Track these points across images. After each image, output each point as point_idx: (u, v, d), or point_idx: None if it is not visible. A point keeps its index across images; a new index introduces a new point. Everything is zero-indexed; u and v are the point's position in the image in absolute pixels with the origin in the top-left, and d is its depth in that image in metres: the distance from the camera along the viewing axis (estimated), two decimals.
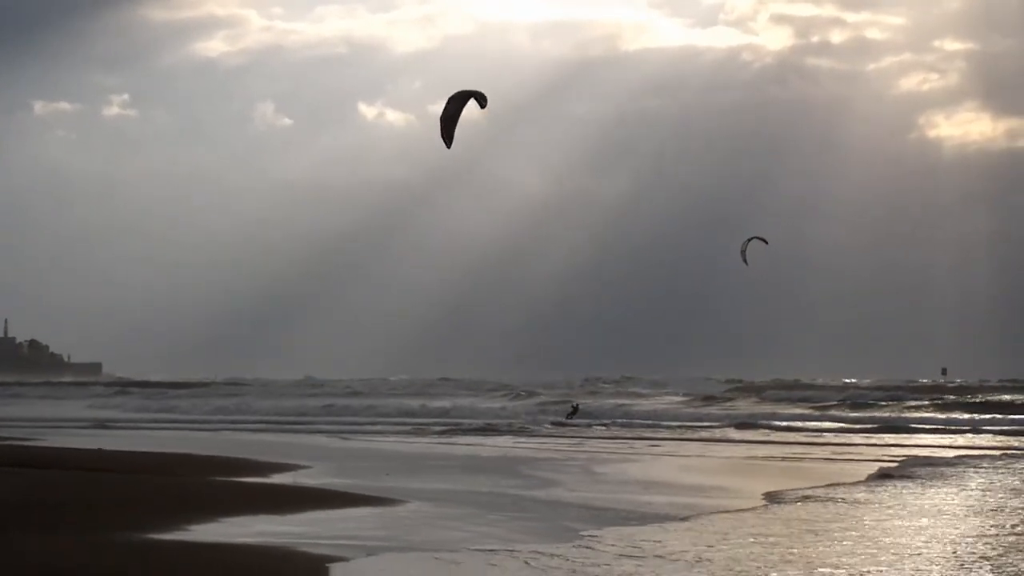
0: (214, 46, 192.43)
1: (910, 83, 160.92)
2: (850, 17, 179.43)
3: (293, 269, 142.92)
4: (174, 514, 21.69)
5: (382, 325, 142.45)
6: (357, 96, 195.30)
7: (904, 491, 26.44)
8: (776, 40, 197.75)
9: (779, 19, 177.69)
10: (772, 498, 25.12)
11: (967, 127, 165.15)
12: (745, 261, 28.54)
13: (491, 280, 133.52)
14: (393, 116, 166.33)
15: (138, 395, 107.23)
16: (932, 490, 26.71)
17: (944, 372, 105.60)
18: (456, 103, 20.29)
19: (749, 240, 28.66)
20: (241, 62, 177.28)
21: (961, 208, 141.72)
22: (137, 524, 20.21)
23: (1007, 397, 76.34)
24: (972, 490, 26.78)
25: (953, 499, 25.05)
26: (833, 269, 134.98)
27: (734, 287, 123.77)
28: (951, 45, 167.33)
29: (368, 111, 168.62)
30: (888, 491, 26.44)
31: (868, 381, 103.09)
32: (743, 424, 62.17)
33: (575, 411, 68.63)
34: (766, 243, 28.63)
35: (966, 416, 64.53)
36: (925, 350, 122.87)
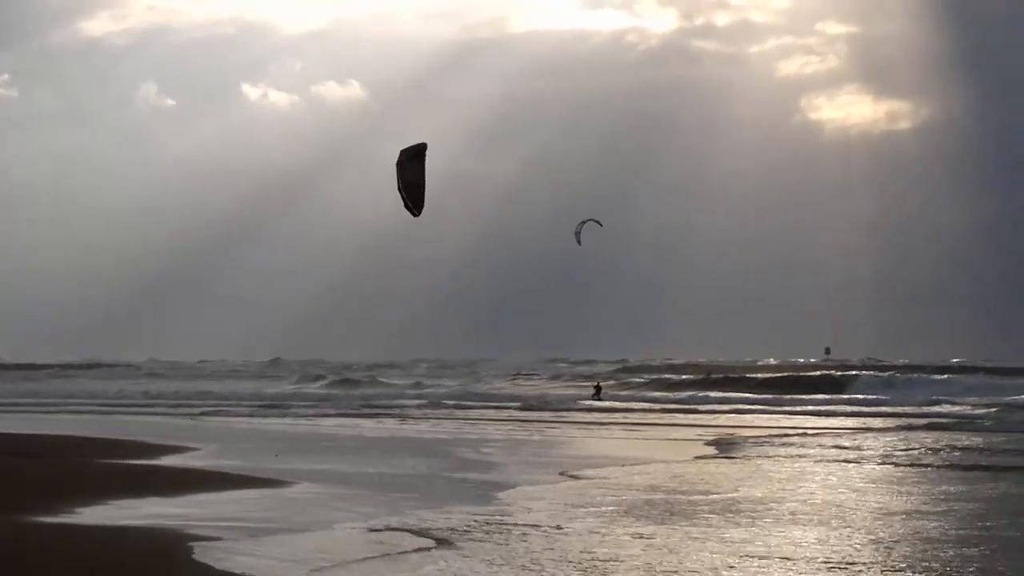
0: (98, 25, 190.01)
1: (792, 66, 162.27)
2: (734, 0, 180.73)
3: (178, 251, 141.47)
4: (61, 497, 21.41)
5: (269, 307, 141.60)
6: (241, 77, 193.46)
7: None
8: (661, 22, 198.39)
9: (664, 2, 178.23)
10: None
11: (848, 109, 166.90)
12: (579, 242, 28.70)
13: (379, 263, 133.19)
14: (276, 97, 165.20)
15: (23, 378, 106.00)
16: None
17: (828, 351, 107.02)
18: (417, 164, 18.60)
19: (584, 223, 28.87)
20: (125, 42, 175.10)
21: (843, 189, 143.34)
22: (22, 507, 19.86)
23: (867, 374, 79.28)
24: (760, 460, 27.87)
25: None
26: (719, 250, 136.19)
27: (623, 269, 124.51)
28: (833, 28, 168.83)
29: (252, 92, 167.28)
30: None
31: (756, 361, 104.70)
32: (530, 407, 63.36)
33: (598, 391, 70.55)
34: (600, 225, 28.85)
35: (806, 396, 66.21)
36: (810, 330, 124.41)
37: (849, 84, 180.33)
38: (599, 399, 67.84)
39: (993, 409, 53.29)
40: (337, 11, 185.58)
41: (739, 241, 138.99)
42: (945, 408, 56.28)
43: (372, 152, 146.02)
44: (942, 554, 15.93)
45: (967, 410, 54.29)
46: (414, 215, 18.65)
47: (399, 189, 18.48)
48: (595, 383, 74.79)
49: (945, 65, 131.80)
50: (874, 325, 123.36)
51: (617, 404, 65.88)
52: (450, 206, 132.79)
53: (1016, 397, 60.66)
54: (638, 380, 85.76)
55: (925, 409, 55.45)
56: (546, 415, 56.23)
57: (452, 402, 67.88)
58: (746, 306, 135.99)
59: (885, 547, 16.47)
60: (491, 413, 57.63)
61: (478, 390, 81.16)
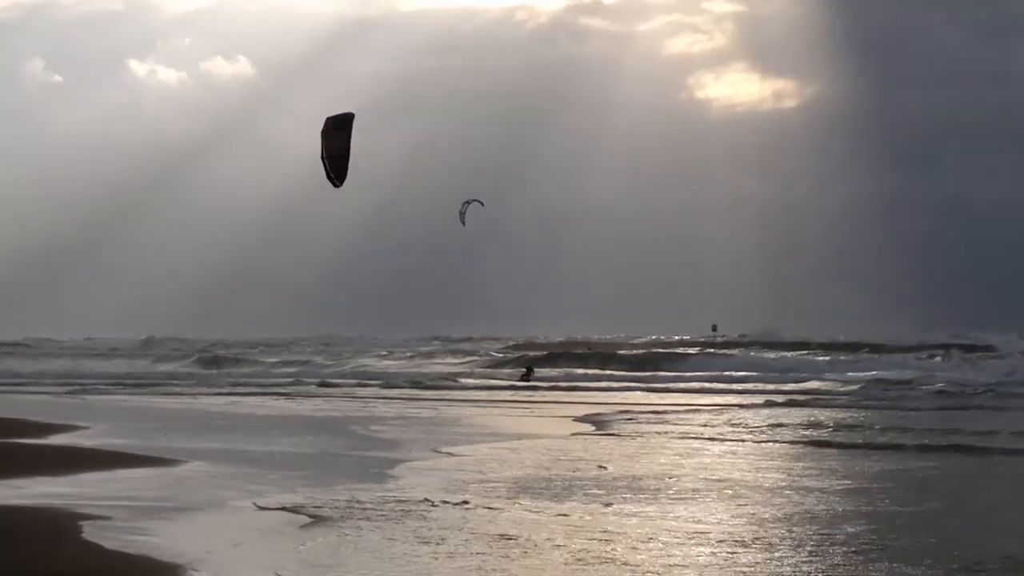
0: None
1: (680, 44, 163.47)
2: None
3: (66, 228, 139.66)
4: None
5: (154, 284, 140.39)
6: (129, 53, 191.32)
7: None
8: (550, 1, 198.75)
9: None
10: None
11: (736, 88, 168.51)
12: (463, 222, 28.89)
13: (267, 240, 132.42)
14: (165, 74, 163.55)
15: None
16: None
17: (715, 328, 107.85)
18: (343, 135, 18.38)
19: (467, 203, 29.10)
20: (12, 17, 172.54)
21: (730, 167, 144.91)
22: None
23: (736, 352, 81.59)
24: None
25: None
26: (608, 228, 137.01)
27: (512, 248, 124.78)
28: (720, 7, 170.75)
29: (140, 68, 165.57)
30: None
31: (641, 338, 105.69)
32: (415, 384, 64.29)
33: (530, 372, 70.21)
34: (482, 205, 29.13)
35: (672, 374, 68.06)
36: (698, 307, 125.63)
37: (736, 63, 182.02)
38: (528, 380, 67.95)
39: (857, 386, 55.17)
40: None
41: (627, 219, 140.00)
42: (815, 384, 58.12)
43: (260, 129, 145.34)
44: (824, 530, 16.50)
45: (838, 387, 56.17)
46: (335, 186, 18.50)
47: (322, 158, 18.35)
48: (526, 364, 74.66)
49: (830, 44, 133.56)
50: (761, 302, 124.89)
51: (497, 381, 66.74)
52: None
53: (888, 372, 63.04)
54: (519, 357, 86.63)
55: (798, 386, 56.96)
56: (426, 392, 56.76)
57: (338, 380, 67.80)
58: (635, 284, 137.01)
59: (759, 521, 17.04)
60: (374, 391, 57.98)
61: (362, 368, 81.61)
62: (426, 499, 18.94)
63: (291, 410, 43.91)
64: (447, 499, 18.98)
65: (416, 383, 65.22)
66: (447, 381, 67.05)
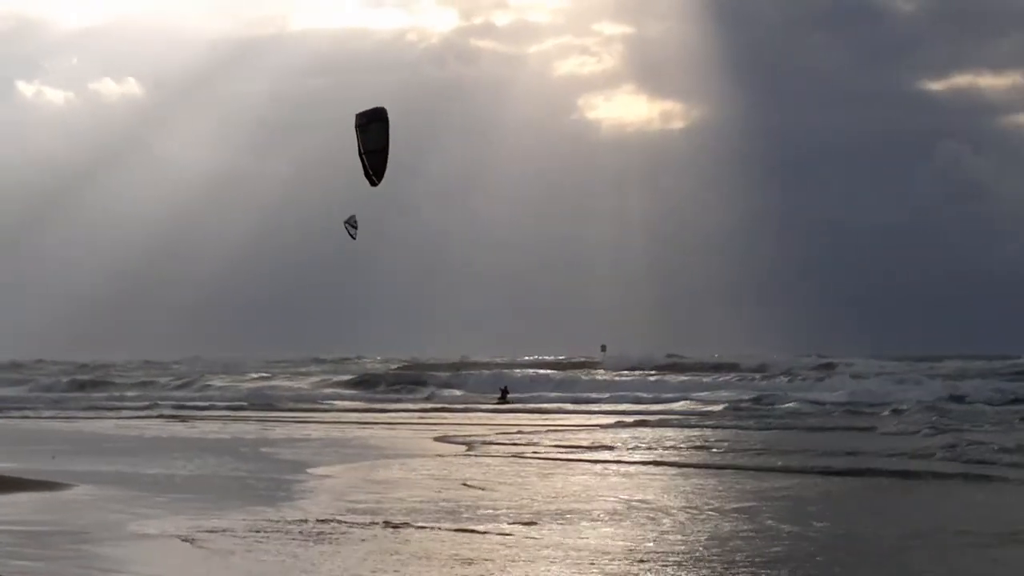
0: None
1: (570, 65, 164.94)
2: (514, 0, 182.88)
3: None
4: None
5: (44, 305, 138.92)
6: (16, 74, 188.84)
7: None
8: (442, 21, 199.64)
9: (445, 1, 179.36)
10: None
11: (624, 109, 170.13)
12: (352, 235, 28.65)
13: (152, 261, 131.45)
14: (52, 94, 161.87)
15: None
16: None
17: (604, 348, 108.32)
18: (380, 128, 17.29)
19: (353, 216, 28.97)
20: None
21: (619, 188, 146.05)
22: None
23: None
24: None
25: None
26: (498, 249, 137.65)
27: (400, 270, 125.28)
28: (610, 29, 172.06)
29: (27, 89, 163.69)
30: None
31: (526, 358, 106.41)
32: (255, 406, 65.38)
33: (504, 395, 71.02)
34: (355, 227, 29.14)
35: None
36: (588, 327, 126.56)
37: (625, 84, 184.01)
38: (505, 402, 68.72)
39: (722, 406, 57.69)
40: (116, 7, 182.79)
41: (517, 240, 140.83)
42: (679, 405, 60.82)
43: (148, 149, 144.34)
44: (686, 548, 17.26)
45: (699, 407, 58.82)
46: (373, 183, 17.40)
47: (360, 155, 17.28)
48: (502, 387, 75.14)
49: (716, 67, 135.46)
50: (650, 322, 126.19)
51: (360, 404, 68.34)
52: (226, 204, 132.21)
53: (744, 393, 66.27)
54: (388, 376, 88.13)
55: (666, 407, 59.42)
56: (298, 414, 57.58)
57: (200, 402, 68.26)
58: (525, 305, 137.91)
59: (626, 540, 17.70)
60: (241, 413, 58.82)
61: (233, 387, 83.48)
62: (303, 520, 19.41)
63: (181, 431, 44.16)
64: (324, 518, 19.45)
65: (270, 405, 66.37)
66: (308, 400, 69.08)
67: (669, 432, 41.15)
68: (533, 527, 18.91)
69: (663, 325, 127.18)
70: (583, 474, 27.47)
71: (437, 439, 38.82)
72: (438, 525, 19.05)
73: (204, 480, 26.92)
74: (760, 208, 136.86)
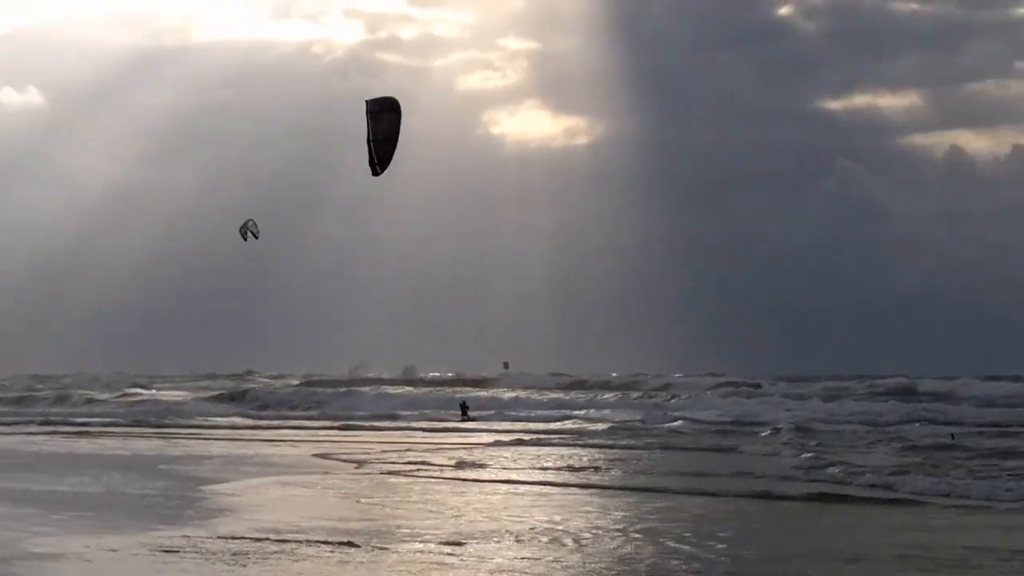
0: None
1: (475, 80, 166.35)
2: (420, 14, 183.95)
3: None
4: None
5: None
6: None
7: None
8: (348, 34, 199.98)
9: (351, 13, 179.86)
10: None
11: (528, 124, 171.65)
12: (244, 238, 29.08)
13: (52, 273, 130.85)
14: None
15: None
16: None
17: (506, 366, 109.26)
18: (393, 116, 17.11)
19: (251, 221, 29.53)
20: None
21: (522, 203, 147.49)
22: None
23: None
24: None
25: None
26: (400, 264, 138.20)
27: (302, 284, 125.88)
28: (514, 44, 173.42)
29: None
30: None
31: (429, 375, 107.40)
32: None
33: (465, 410, 71.88)
34: (255, 236, 29.78)
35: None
36: (491, 345, 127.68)
37: (529, 99, 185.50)
38: (468, 418, 69.47)
39: (606, 425, 59.65)
40: (17, 17, 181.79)
41: (420, 255, 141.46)
42: (560, 424, 62.49)
43: (50, 160, 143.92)
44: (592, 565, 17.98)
45: (586, 425, 60.72)
46: (376, 172, 17.23)
47: (368, 142, 17.07)
48: (461, 402, 75.89)
49: (620, 83, 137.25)
50: (552, 339, 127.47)
51: (250, 421, 68.80)
52: (128, 214, 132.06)
53: (625, 413, 68.99)
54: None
55: (546, 425, 61.08)
56: (183, 430, 58.12)
57: (85, 418, 68.32)
58: (428, 320, 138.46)
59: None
60: (125, 429, 59.25)
61: (122, 401, 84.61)
62: (208, 537, 19.85)
63: (82, 447, 44.66)
64: (226, 536, 19.91)
65: (149, 421, 66.74)
66: (184, 418, 69.56)
67: (545, 450, 42.37)
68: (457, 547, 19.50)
69: (567, 342, 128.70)
70: (472, 494, 28.27)
71: (320, 455, 39.88)
72: (326, 540, 19.43)
73: (113, 496, 27.17)
74: (664, 225, 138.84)
